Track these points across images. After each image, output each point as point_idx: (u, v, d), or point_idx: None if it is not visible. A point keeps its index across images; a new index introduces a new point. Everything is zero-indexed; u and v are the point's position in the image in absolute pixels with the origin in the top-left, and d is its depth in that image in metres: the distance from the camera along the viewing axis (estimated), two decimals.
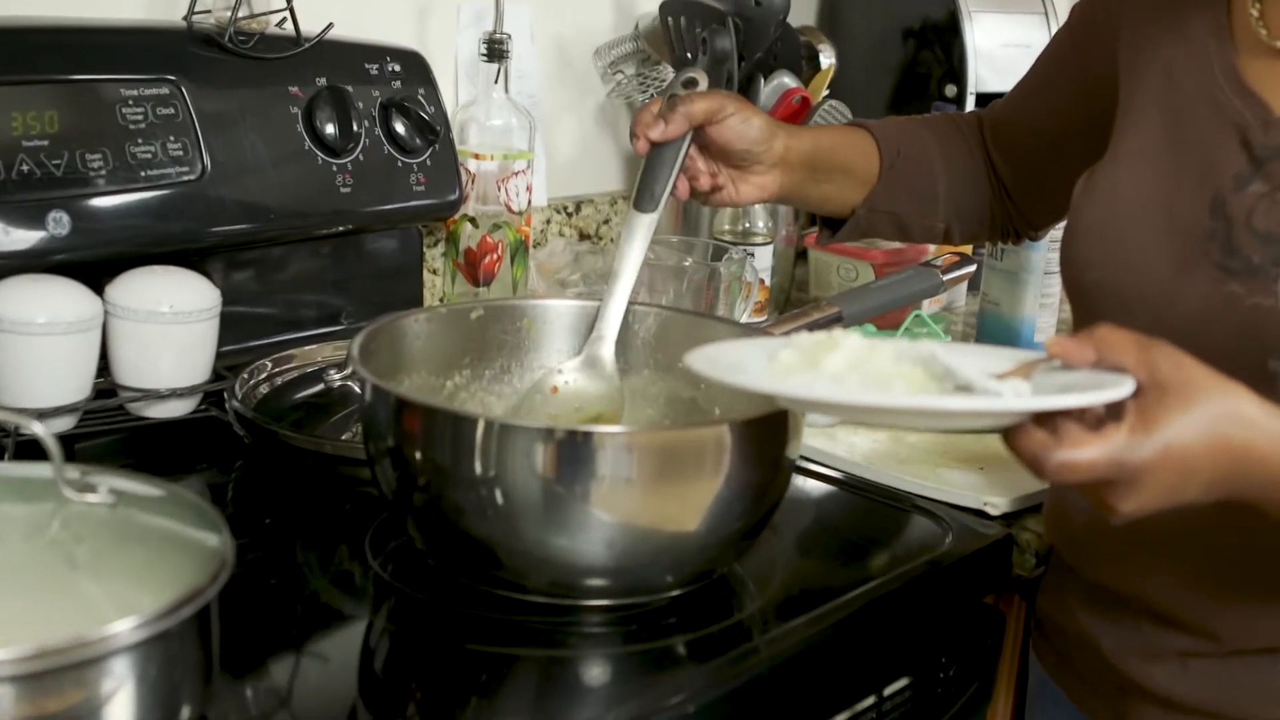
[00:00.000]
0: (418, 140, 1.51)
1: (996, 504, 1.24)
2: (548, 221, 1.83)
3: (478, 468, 0.96)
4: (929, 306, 1.75)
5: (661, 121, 1.15)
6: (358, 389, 1.37)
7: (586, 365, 1.18)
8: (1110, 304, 1.07)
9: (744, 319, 1.63)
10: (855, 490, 1.28)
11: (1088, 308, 1.10)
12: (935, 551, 1.16)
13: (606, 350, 1.17)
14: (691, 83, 1.18)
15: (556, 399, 1.18)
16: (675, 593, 1.03)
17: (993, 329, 1.74)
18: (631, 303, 1.19)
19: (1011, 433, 0.83)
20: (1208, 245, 1.01)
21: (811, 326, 1.22)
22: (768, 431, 1.00)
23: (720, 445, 0.98)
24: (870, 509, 1.26)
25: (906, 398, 0.85)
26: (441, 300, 1.70)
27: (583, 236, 1.88)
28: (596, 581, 1.00)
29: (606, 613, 1.01)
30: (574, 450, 0.95)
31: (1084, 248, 1.10)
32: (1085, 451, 0.80)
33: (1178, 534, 0.98)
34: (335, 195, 1.43)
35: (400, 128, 1.49)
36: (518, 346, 1.23)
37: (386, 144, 1.48)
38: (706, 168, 1.19)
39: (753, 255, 1.67)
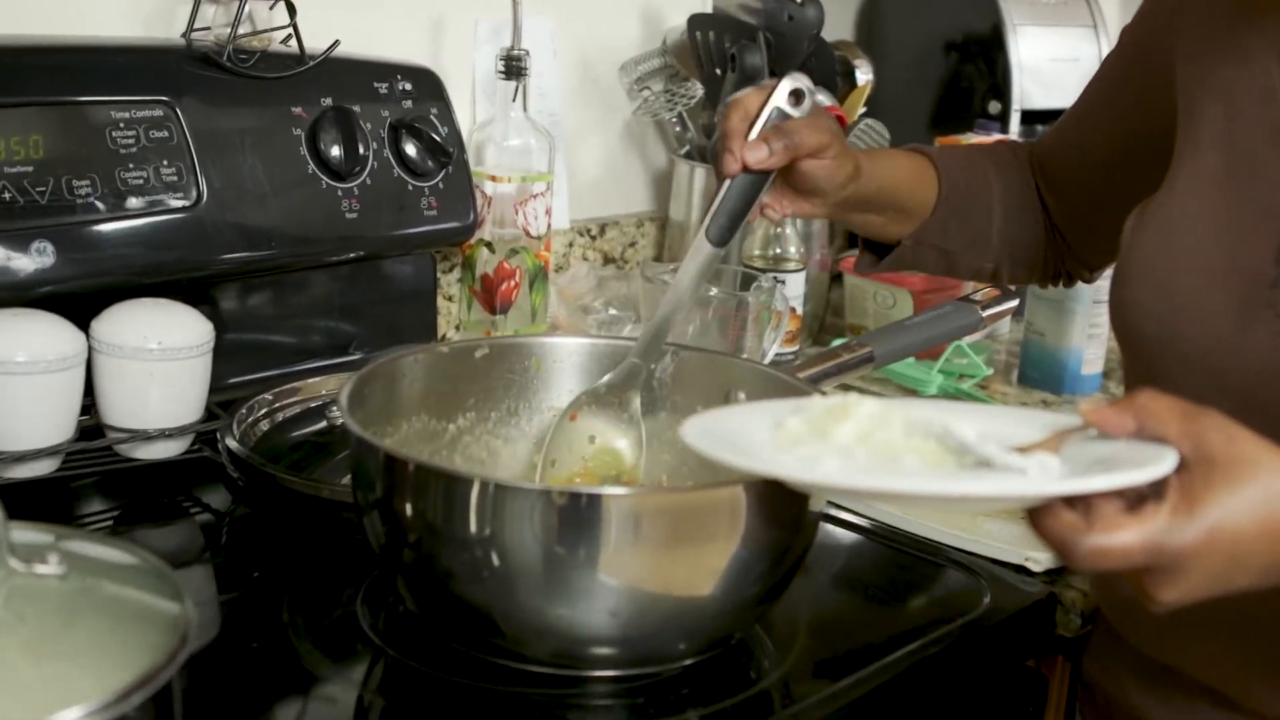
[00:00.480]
0: (429, 162, 1.43)
1: (1039, 559, 1.15)
2: (570, 245, 1.75)
3: (473, 529, 0.88)
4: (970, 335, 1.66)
5: (765, 147, 1.01)
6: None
7: (611, 395, 1.10)
8: (1163, 355, 0.98)
9: (774, 350, 1.54)
10: (885, 541, 1.20)
11: (1139, 357, 1.01)
12: (974, 612, 1.08)
13: (634, 380, 1.09)
14: (799, 97, 1.03)
15: (574, 426, 1.10)
16: (688, 661, 0.95)
17: (1037, 359, 1.65)
18: (630, 338, 1.11)
19: (1038, 513, 0.75)
20: (1271, 295, 0.93)
21: (842, 368, 1.13)
22: (787, 490, 0.92)
23: (735, 508, 0.90)
24: (901, 562, 1.17)
25: (915, 480, 0.77)
26: (458, 328, 1.62)
27: (607, 260, 1.80)
28: (603, 651, 0.92)
29: (614, 684, 0.94)
30: (576, 514, 0.87)
31: (1135, 290, 1.02)
32: (1120, 536, 0.72)
33: (1242, 610, 0.90)
34: (340, 221, 1.36)
35: (411, 149, 1.42)
36: (525, 387, 1.15)
37: (396, 166, 1.41)
38: (773, 195, 1.08)
39: (783, 282, 1.58)
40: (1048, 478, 0.74)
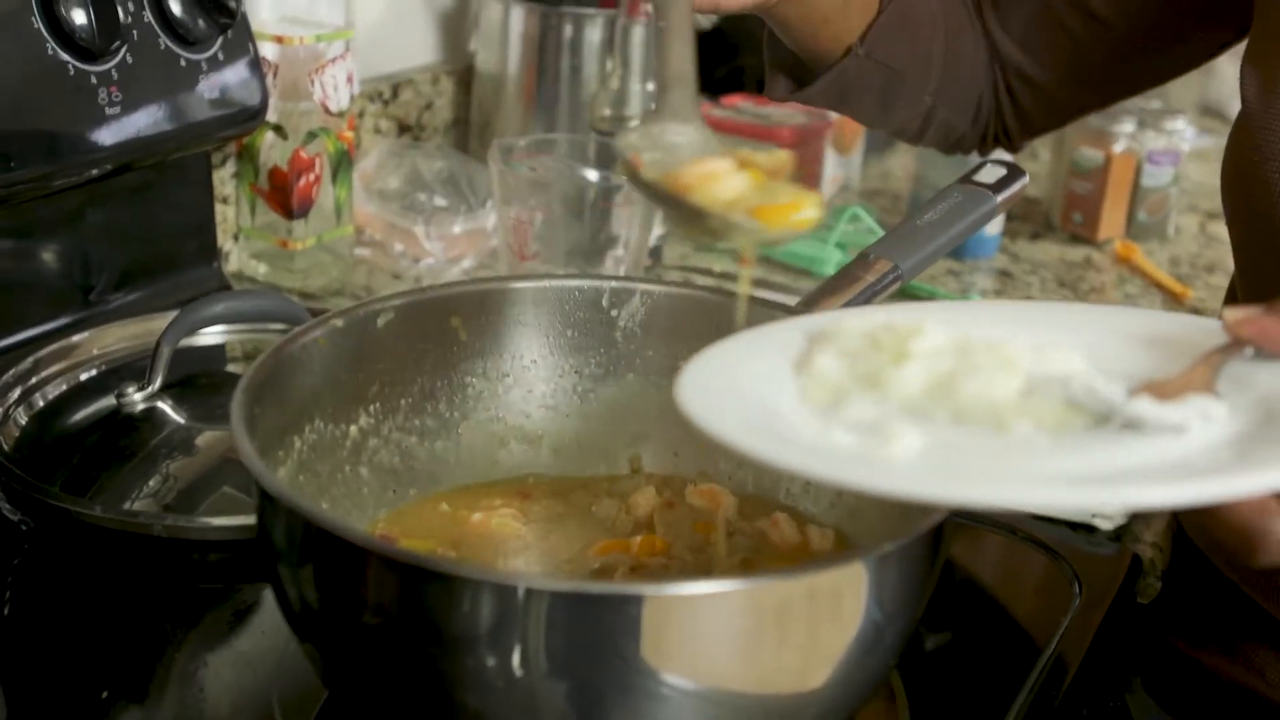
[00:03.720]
0: (202, 23, 1.04)
1: (1106, 516, 0.91)
2: (361, 114, 1.37)
3: (509, 646, 0.56)
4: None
5: None
6: (172, 413, 0.94)
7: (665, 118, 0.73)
8: None
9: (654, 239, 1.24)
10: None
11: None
12: (1072, 605, 0.83)
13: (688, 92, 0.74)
14: None
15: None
16: None
17: None
18: (584, 276, 0.80)
19: None
20: None
21: (868, 296, 0.84)
22: (921, 551, 0.64)
23: (855, 586, 0.61)
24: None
25: (1088, 491, 0.51)
26: (236, 238, 1.24)
27: (403, 129, 1.43)
28: None
29: None
30: (625, 618, 0.56)
31: (1268, 172, 0.77)
32: None
33: None
34: (100, 117, 0.96)
35: (177, 8, 1.02)
36: (445, 358, 0.81)
37: (162, 34, 1.01)
38: None
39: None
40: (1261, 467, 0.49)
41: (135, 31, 0.99)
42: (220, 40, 1.05)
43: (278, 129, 1.17)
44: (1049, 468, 0.52)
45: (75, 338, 0.99)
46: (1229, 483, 0.49)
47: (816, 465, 0.52)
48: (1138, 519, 0.92)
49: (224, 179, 1.22)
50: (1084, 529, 0.90)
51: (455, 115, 1.48)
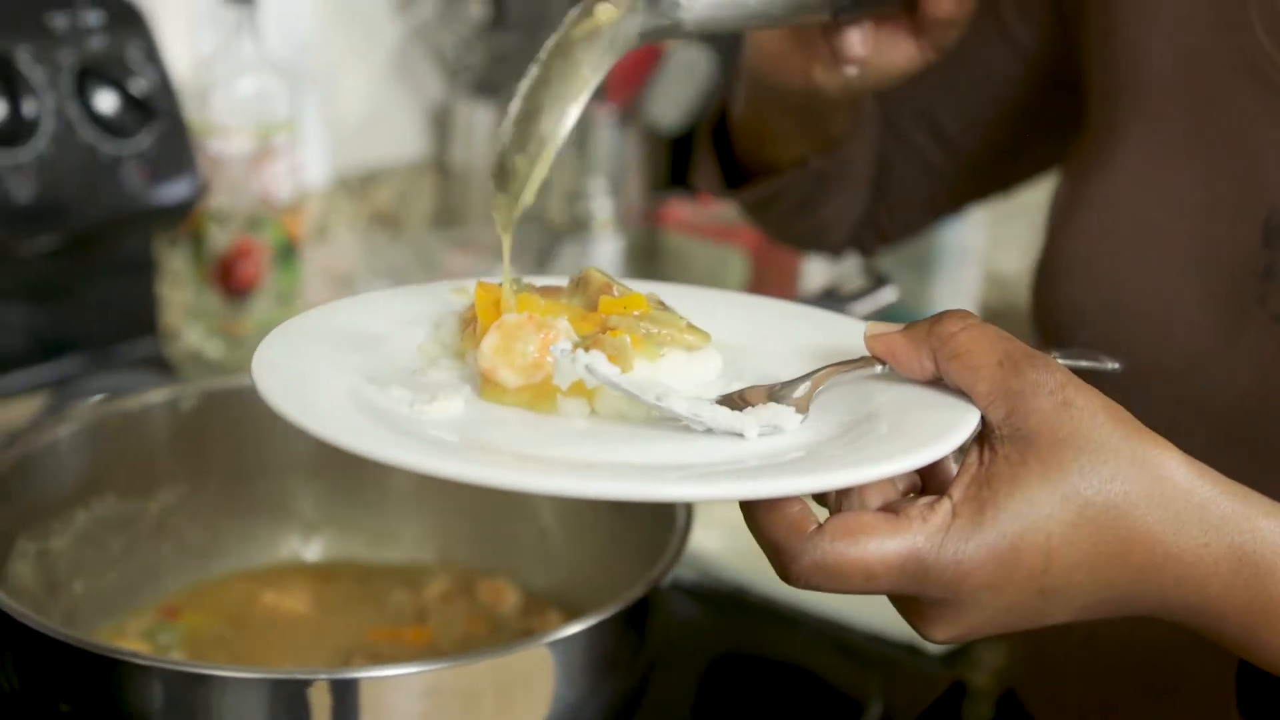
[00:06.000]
0: (130, 117, 1.10)
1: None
2: (331, 206, 1.43)
3: None
4: None
5: None
6: None
7: None
8: (1117, 376, 0.73)
9: None
10: (722, 606, 0.92)
11: (1084, 379, 0.76)
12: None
13: None
14: None
15: None
16: None
17: None
18: None
19: (754, 505, 0.51)
20: (1263, 289, 0.69)
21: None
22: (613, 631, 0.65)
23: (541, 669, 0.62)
24: (745, 637, 0.90)
25: (515, 470, 0.48)
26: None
27: (380, 219, 1.48)
28: None
29: None
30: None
31: (1071, 290, 0.77)
32: (859, 549, 0.50)
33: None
34: (3, 204, 1.03)
35: (104, 102, 1.08)
36: (256, 443, 0.84)
37: (82, 126, 1.07)
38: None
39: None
40: (776, 476, 0.49)
41: (54, 124, 1.05)
42: (147, 132, 1.11)
43: (216, 218, 1.22)
44: (575, 454, 0.51)
45: None
46: (740, 486, 0.49)
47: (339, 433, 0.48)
48: (976, 644, 0.91)
49: (180, 260, 1.28)
50: (909, 651, 0.89)
51: (435, 206, 1.53)
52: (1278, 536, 0.52)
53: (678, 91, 1.42)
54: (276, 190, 1.24)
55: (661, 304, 0.58)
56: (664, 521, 0.72)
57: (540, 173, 0.57)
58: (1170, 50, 0.76)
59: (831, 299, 0.94)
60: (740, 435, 0.52)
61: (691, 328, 0.56)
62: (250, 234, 1.23)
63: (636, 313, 0.54)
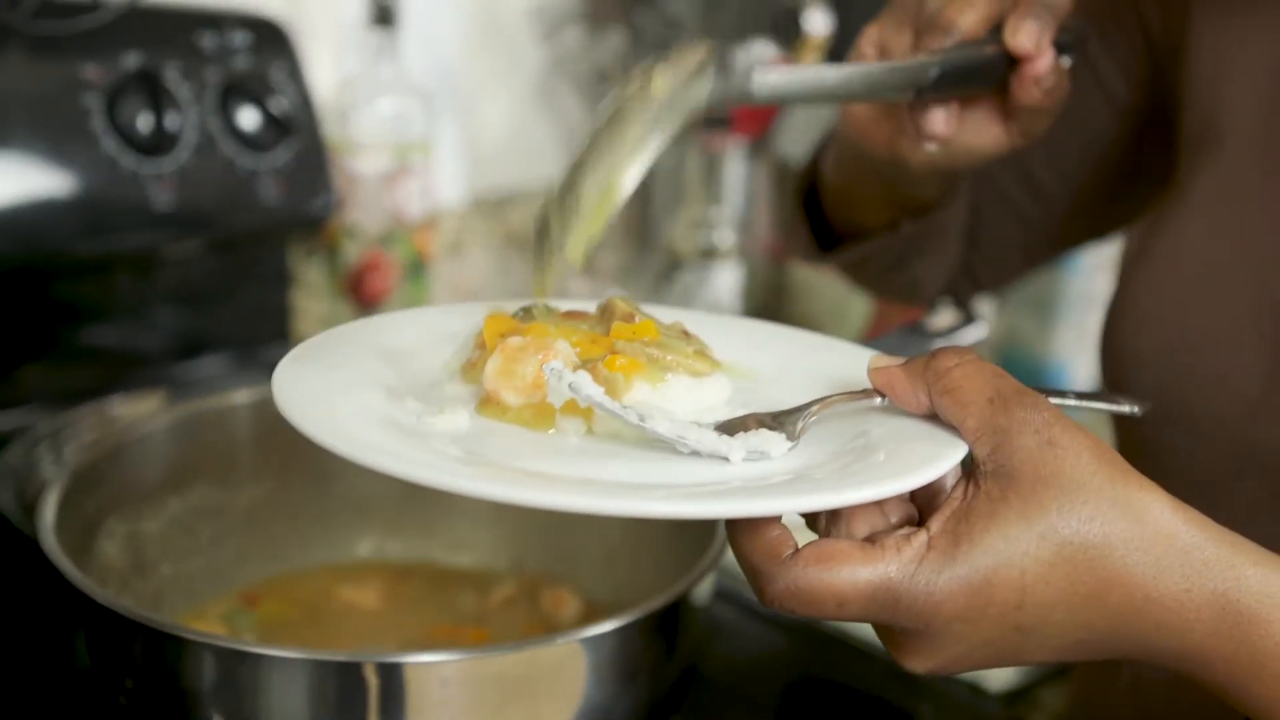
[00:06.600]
0: (269, 133, 1.16)
1: (995, 674, 0.90)
2: (466, 224, 1.48)
3: None
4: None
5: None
6: None
7: None
8: (1169, 423, 0.73)
9: None
10: (790, 632, 0.94)
11: (1135, 423, 0.76)
12: None
13: None
14: None
15: None
16: None
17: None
18: None
19: (737, 526, 0.53)
20: None
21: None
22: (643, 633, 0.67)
23: (572, 665, 0.65)
24: (809, 665, 0.91)
25: (519, 485, 0.50)
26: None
27: (514, 242, 1.53)
28: None
29: None
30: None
31: (1135, 339, 0.77)
32: (831, 575, 0.51)
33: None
34: (144, 210, 1.10)
35: (246, 118, 1.15)
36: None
37: (224, 140, 1.14)
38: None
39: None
40: (751, 496, 0.51)
41: (197, 136, 1.12)
42: (285, 148, 1.17)
43: (350, 232, 1.28)
44: (565, 469, 0.53)
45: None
46: (716, 505, 0.52)
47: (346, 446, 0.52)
48: (1037, 686, 0.91)
49: (315, 271, 1.34)
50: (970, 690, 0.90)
51: None
52: (1264, 585, 0.52)
53: (810, 125, 1.44)
54: (409, 208, 1.29)
55: (685, 332, 0.60)
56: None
57: (589, 231, 0.61)
58: (1251, 100, 0.76)
59: (916, 333, 0.95)
60: (725, 459, 0.54)
61: (700, 355, 0.58)
62: (381, 248, 1.29)
63: (645, 339, 0.57)
